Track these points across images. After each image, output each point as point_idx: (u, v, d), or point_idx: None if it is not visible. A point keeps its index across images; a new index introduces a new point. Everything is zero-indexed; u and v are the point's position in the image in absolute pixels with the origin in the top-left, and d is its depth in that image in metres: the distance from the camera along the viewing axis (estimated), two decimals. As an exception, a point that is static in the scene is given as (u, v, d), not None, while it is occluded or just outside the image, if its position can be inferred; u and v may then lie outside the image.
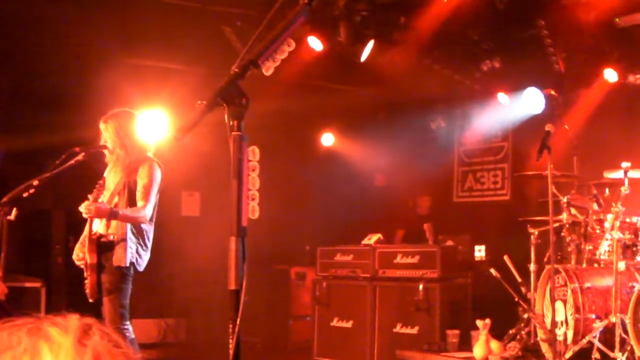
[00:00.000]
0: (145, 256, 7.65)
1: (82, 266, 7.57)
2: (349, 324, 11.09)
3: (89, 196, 7.32)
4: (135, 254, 7.52)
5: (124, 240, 7.45)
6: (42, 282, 10.35)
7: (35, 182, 6.99)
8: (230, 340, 3.14)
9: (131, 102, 8.28)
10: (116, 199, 7.57)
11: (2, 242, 6.76)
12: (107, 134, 7.67)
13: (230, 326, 3.14)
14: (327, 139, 15.31)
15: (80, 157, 7.28)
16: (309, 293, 12.28)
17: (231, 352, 3.14)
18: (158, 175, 7.66)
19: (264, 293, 13.31)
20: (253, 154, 3.29)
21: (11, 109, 11.79)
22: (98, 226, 7.57)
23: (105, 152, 7.70)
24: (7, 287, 6.98)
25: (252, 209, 3.27)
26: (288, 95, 12.21)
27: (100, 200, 7.42)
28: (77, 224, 8.13)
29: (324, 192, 14.83)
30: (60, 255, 12.16)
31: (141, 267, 7.62)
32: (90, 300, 7.50)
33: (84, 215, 7.35)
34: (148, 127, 8.01)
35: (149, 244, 7.69)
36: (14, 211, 6.81)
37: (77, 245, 7.71)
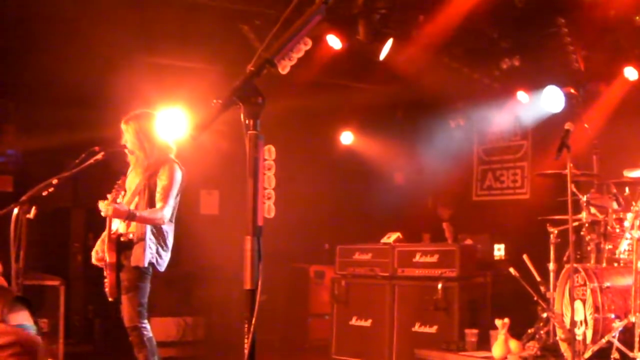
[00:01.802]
0: (166, 256, 7.66)
1: (101, 265, 7.59)
2: (368, 323, 11.08)
3: (108, 196, 7.32)
4: (155, 254, 7.53)
5: (144, 240, 7.46)
6: (61, 281, 10.36)
7: (55, 181, 7.01)
8: (246, 340, 3.14)
9: (150, 101, 8.31)
10: (136, 200, 7.59)
11: (21, 240, 6.77)
12: (127, 135, 7.68)
13: (246, 326, 3.14)
14: (346, 138, 15.29)
15: (99, 156, 7.30)
16: (327, 291, 12.28)
17: (246, 352, 3.13)
18: (178, 177, 7.66)
19: (283, 291, 13.33)
20: (269, 152, 3.28)
21: (32, 108, 11.85)
22: (118, 225, 7.58)
23: (126, 151, 7.72)
24: (22, 288, 6.98)
25: (268, 208, 3.26)
26: (307, 93, 12.20)
27: (119, 200, 7.43)
28: (96, 223, 8.15)
29: (343, 190, 14.83)
30: (80, 254, 12.21)
31: (162, 267, 7.63)
32: (110, 299, 7.53)
33: (102, 214, 7.36)
34: (167, 126, 8.02)
35: (170, 244, 7.70)
36: (33, 210, 6.83)
37: (98, 243, 7.73)
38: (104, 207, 7.25)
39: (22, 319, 5.74)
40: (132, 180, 7.74)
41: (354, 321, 11.24)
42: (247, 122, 3.22)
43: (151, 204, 7.55)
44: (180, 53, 11.33)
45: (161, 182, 7.54)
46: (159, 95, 9.81)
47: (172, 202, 7.58)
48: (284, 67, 3.32)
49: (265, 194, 3.24)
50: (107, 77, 10.52)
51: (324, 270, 13.47)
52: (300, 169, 13.10)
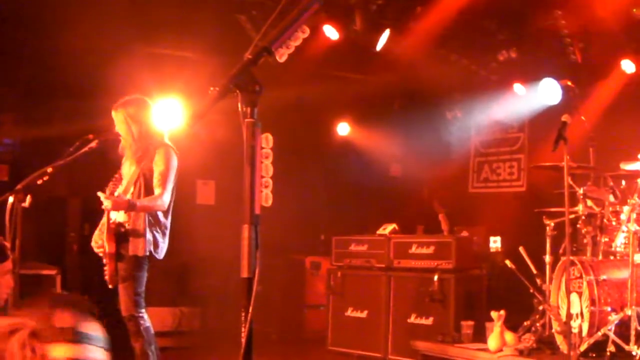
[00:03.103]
0: (164, 244, 7.66)
1: (101, 254, 7.59)
2: (364, 314, 11.08)
3: (106, 189, 7.33)
4: (153, 243, 7.52)
5: (142, 229, 7.47)
6: (57, 270, 10.37)
7: (49, 170, 7.01)
8: (243, 329, 3.13)
9: (147, 91, 8.29)
10: (132, 189, 7.58)
11: (16, 229, 6.76)
12: (117, 121, 7.68)
13: (243, 314, 3.13)
14: (343, 128, 15.27)
15: (93, 144, 7.30)
16: (323, 282, 12.29)
17: (243, 340, 3.13)
18: (174, 162, 7.66)
19: (279, 282, 13.31)
20: (266, 141, 3.27)
21: (27, 97, 11.82)
22: (116, 215, 7.57)
23: (121, 139, 7.73)
24: (18, 277, 6.97)
25: (266, 197, 3.25)
26: (304, 84, 12.20)
27: (117, 192, 7.43)
28: (92, 212, 8.15)
29: (340, 181, 14.81)
30: (75, 243, 12.19)
31: (160, 255, 7.63)
32: (110, 286, 7.54)
33: (103, 208, 7.36)
34: (163, 116, 8.02)
35: (167, 232, 7.70)
36: (28, 198, 6.82)
37: (96, 232, 7.72)
38: (103, 200, 7.25)
39: (94, 329, 5.72)
40: (127, 168, 7.74)
41: (349, 312, 11.25)
42: (244, 110, 3.21)
43: (147, 191, 7.55)
44: (178, 43, 11.33)
45: (157, 168, 7.54)
46: (156, 85, 9.79)
47: (171, 187, 7.58)
48: (282, 56, 3.31)
49: (263, 182, 3.23)
50: (104, 67, 10.50)
51: (320, 262, 13.48)
52: (296, 160, 13.09)
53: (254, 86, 3.20)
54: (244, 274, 3.16)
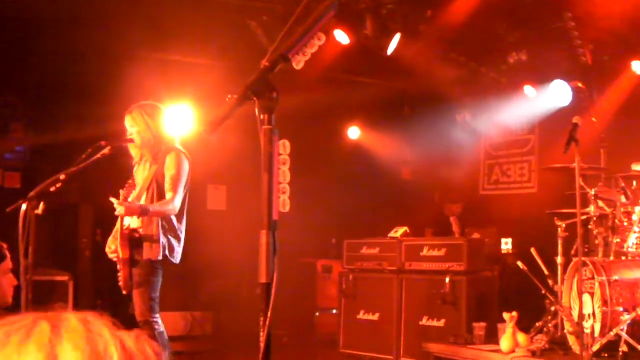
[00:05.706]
0: (179, 248, 7.67)
1: (115, 259, 7.61)
2: (376, 317, 11.09)
3: (121, 191, 7.35)
4: (168, 247, 7.54)
5: (156, 234, 7.47)
6: (70, 276, 10.41)
7: (62, 177, 7.00)
8: (262, 334, 3.16)
9: (158, 97, 8.31)
10: (145, 195, 7.60)
11: (30, 236, 6.77)
12: (133, 123, 7.66)
13: (262, 319, 3.15)
14: (353, 133, 15.30)
15: (106, 150, 7.30)
16: (335, 286, 12.30)
17: (262, 345, 3.15)
18: (186, 166, 7.66)
19: (291, 286, 13.27)
20: (284, 147, 3.30)
21: (38, 104, 11.87)
22: (130, 220, 7.60)
23: (131, 147, 7.73)
24: (32, 283, 6.97)
25: (283, 203, 3.28)
26: (314, 88, 12.19)
27: (130, 198, 7.45)
28: (104, 218, 8.17)
29: (351, 185, 14.83)
30: (88, 250, 12.23)
31: (176, 260, 7.64)
32: (124, 292, 7.56)
33: (116, 214, 7.38)
34: (174, 121, 8.03)
35: (182, 237, 7.71)
36: (42, 205, 6.83)
37: (110, 238, 7.75)
38: (117, 206, 7.27)
39: None
40: (141, 175, 7.75)
41: (361, 315, 11.26)
42: (262, 117, 3.24)
43: (160, 196, 7.56)
44: (188, 49, 11.36)
45: (169, 172, 7.55)
46: (166, 91, 9.83)
47: (182, 191, 7.59)
48: (298, 63, 3.34)
49: (280, 188, 3.26)
50: (115, 73, 10.53)
51: (332, 265, 13.49)
52: (307, 164, 13.06)
53: (272, 93, 3.23)
54: (263, 279, 3.19)
